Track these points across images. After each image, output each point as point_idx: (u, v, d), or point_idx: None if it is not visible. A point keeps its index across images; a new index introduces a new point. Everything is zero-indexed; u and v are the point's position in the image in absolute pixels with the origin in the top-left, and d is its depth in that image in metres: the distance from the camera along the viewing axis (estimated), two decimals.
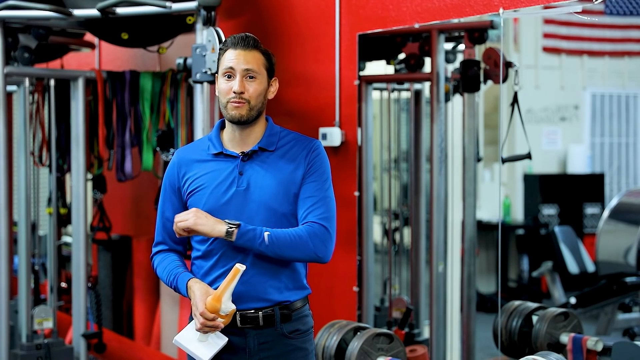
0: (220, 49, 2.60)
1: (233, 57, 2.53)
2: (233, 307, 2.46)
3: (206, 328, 2.46)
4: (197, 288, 2.50)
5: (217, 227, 2.48)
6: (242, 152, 2.58)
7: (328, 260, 2.57)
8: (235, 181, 2.56)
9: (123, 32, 4.27)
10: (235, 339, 2.55)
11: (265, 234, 2.48)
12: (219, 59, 2.59)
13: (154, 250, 2.71)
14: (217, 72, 2.60)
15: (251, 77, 2.54)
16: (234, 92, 2.52)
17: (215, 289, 2.50)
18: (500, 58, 4.05)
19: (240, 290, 2.51)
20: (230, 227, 2.48)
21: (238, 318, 2.54)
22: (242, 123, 2.56)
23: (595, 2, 2.97)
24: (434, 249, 4.30)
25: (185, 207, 2.62)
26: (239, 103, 2.52)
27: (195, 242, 2.63)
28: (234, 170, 2.57)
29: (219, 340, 2.51)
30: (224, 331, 2.52)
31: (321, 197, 2.57)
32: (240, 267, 2.44)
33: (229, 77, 2.54)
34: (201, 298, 2.46)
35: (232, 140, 2.61)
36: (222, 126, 2.67)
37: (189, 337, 2.52)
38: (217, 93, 2.60)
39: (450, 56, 4.69)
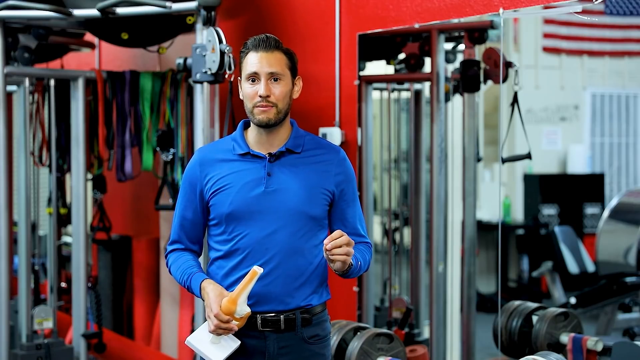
0: (241, 51, 2.57)
1: (256, 61, 2.50)
2: (248, 310, 2.43)
3: (220, 330, 2.43)
4: (211, 289, 2.47)
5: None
6: (269, 153, 2.56)
7: None
8: (263, 182, 2.54)
9: (123, 32, 4.27)
10: (255, 341, 2.54)
11: (359, 263, 2.56)
12: (240, 62, 2.56)
13: (169, 248, 2.68)
14: (239, 76, 2.58)
15: (276, 80, 2.51)
16: (260, 96, 2.49)
17: (232, 291, 2.47)
18: (500, 58, 4.05)
19: (263, 291, 2.50)
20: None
21: (259, 321, 2.52)
22: (270, 126, 2.54)
23: (595, 2, 2.98)
24: (434, 249, 4.30)
25: (206, 206, 2.60)
26: (266, 107, 2.50)
27: (215, 242, 2.60)
28: (261, 171, 2.55)
29: (232, 343, 2.48)
30: (241, 334, 2.50)
31: (359, 208, 2.68)
32: (257, 270, 2.40)
33: (253, 80, 2.51)
34: (215, 300, 2.43)
35: (258, 142, 2.58)
36: (245, 126, 2.64)
37: (201, 339, 2.49)
38: (241, 96, 2.57)
39: (450, 56, 4.69)
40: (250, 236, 2.52)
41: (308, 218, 2.54)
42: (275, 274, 2.52)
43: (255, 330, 2.53)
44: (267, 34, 2.57)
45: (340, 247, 2.38)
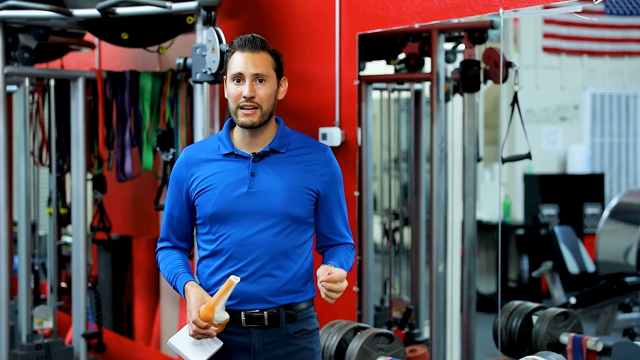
0: (227, 50, 2.56)
1: (241, 61, 2.50)
2: (226, 316, 2.46)
3: (199, 335, 2.46)
4: (192, 293, 2.49)
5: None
6: (253, 153, 2.57)
7: None
8: (247, 182, 2.54)
9: (123, 32, 4.27)
10: (240, 338, 2.54)
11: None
12: (226, 61, 2.56)
13: (159, 245, 2.70)
14: (225, 75, 2.58)
15: (261, 81, 2.51)
16: (244, 97, 2.49)
17: (215, 292, 2.50)
18: (500, 58, 4.05)
19: (247, 291, 2.51)
20: None
21: (243, 318, 2.53)
22: (254, 128, 2.55)
23: (595, 2, 2.97)
24: (434, 249, 4.30)
25: (192, 206, 2.61)
26: (250, 110, 2.50)
27: (202, 242, 2.61)
28: (245, 171, 2.55)
29: (214, 345, 2.51)
30: (226, 331, 2.51)
31: (344, 210, 2.66)
32: (234, 280, 2.43)
33: (238, 81, 2.51)
34: (195, 305, 2.46)
35: (243, 141, 2.59)
36: (231, 125, 2.64)
37: (183, 340, 2.53)
38: (226, 96, 2.57)
39: (450, 56, 4.69)
40: (234, 236, 2.53)
41: (291, 218, 2.54)
42: (259, 274, 2.52)
43: (240, 327, 2.54)
44: (254, 34, 2.56)
45: (335, 284, 2.41)
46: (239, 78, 2.51)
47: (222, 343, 2.51)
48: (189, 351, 2.50)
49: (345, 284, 2.43)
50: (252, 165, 2.56)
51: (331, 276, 2.41)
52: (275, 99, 2.56)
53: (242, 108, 2.50)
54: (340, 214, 2.65)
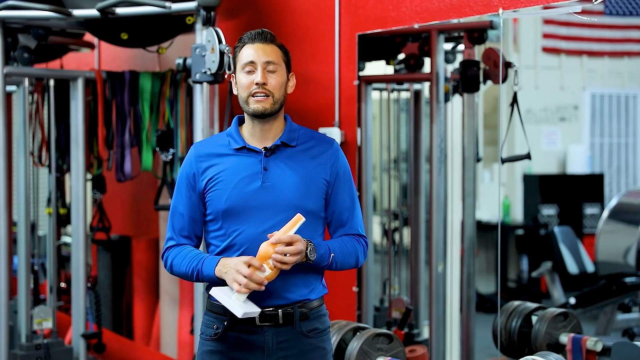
0: (236, 46, 2.58)
1: (253, 52, 2.52)
2: None
3: (252, 285, 2.37)
4: (231, 259, 2.44)
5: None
6: (265, 147, 2.57)
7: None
8: (260, 177, 2.54)
9: (123, 32, 4.27)
10: (254, 337, 2.53)
11: (332, 255, 2.53)
12: (235, 57, 2.58)
13: (166, 245, 2.63)
14: (233, 73, 2.59)
15: (272, 71, 2.53)
16: (257, 84, 2.50)
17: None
18: (499, 58, 4.05)
19: None
20: (309, 257, 2.48)
21: (257, 316, 2.50)
22: (265, 116, 2.54)
23: (595, 2, 2.97)
24: (433, 249, 4.30)
25: (202, 202, 2.59)
26: (263, 97, 2.51)
27: (212, 239, 2.59)
28: (257, 166, 2.55)
29: (255, 308, 2.43)
30: (239, 330, 2.50)
31: (356, 205, 2.65)
32: (302, 217, 2.41)
33: (249, 71, 2.53)
34: (241, 259, 2.40)
35: (253, 136, 2.59)
36: (239, 122, 2.65)
37: (226, 293, 2.44)
38: (235, 91, 2.58)
39: (450, 56, 4.69)
40: (248, 232, 2.52)
41: (305, 212, 2.52)
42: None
43: (254, 326, 2.52)
44: (263, 29, 2.59)
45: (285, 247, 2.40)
46: (250, 68, 2.52)
47: (259, 310, 2.44)
48: (231, 303, 2.40)
49: (296, 249, 2.39)
50: (264, 160, 2.56)
51: (280, 236, 2.39)
52: (285, 90, 2.58)
53: (254, 95, 2.52)
54: (354, 210, 2.64)
